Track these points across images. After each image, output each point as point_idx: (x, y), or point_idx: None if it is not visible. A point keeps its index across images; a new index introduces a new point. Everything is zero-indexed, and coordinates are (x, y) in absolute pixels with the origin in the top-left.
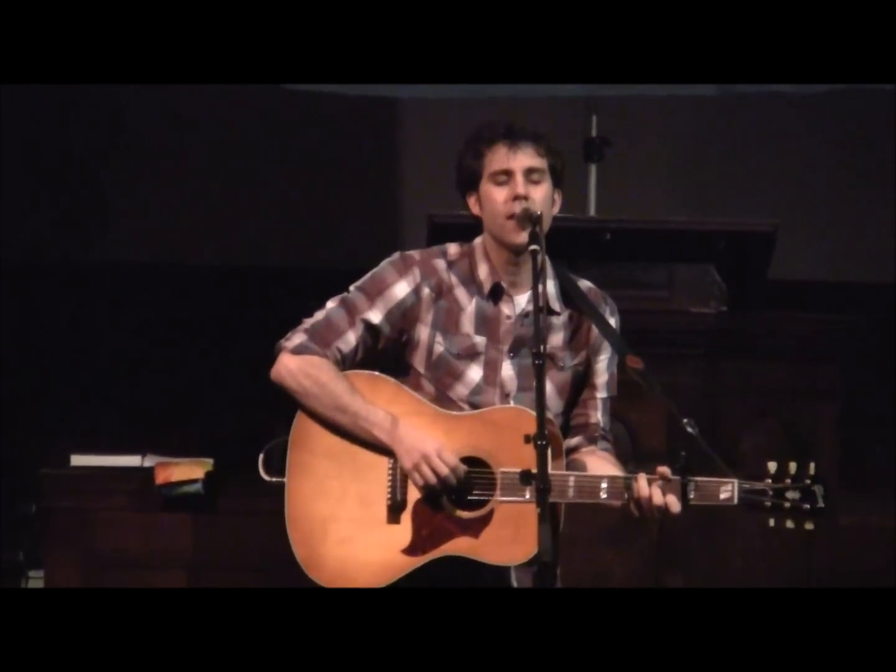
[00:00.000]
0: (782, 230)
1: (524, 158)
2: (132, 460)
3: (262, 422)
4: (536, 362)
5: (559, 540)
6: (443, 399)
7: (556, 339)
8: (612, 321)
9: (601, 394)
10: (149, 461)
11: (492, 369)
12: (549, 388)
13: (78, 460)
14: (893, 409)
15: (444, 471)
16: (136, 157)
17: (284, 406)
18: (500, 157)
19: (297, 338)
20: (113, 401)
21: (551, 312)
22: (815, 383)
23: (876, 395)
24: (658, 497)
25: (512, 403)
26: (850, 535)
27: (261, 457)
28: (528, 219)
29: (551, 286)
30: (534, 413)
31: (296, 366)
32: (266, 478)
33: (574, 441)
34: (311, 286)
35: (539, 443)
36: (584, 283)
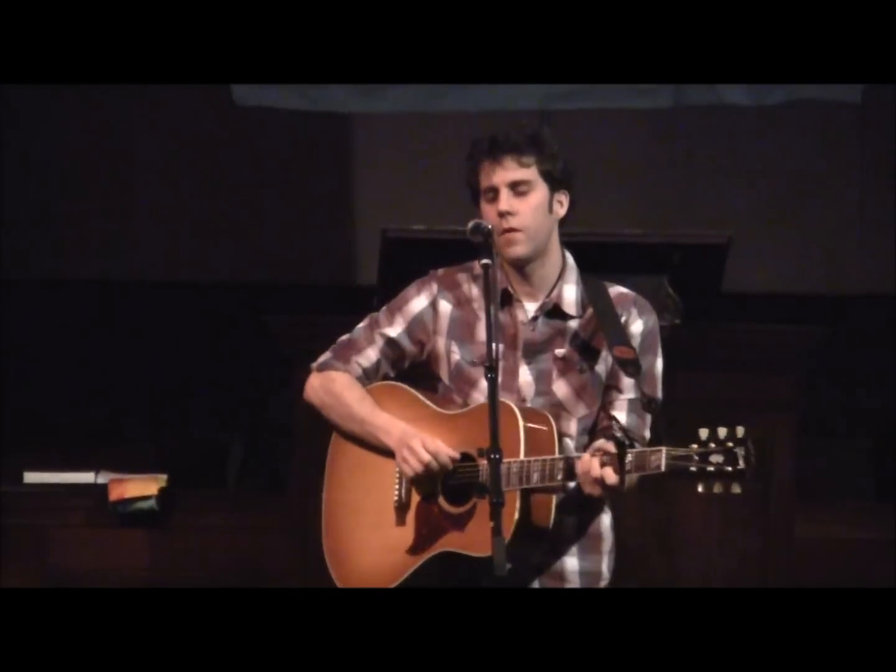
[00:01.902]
0: (737, 242)
1: (504, 173)
2: (86, 477)
3: (216, 437)
4: (489, 375)
5: (545, 532)
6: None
7: (572, 342)
8: (640, 322)
9: (626, 395)
10: (102, 478)
11: (509, 375)
12: (566, 390)
13: (31, 477)
14: (850, 420)
15: (426, 457)
16: (88, 174)
17: (239, 422)
18: (486, 175)
19: (323, 357)
20: (66, 417)
21: (565, 317)
22: (772, 395)
23: (833, 406)
24: (596, 470)
25: (528, 405)
26: (806, 547)
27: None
28: (479, 232)
29: (571, 290)
30: (514, 406)
31: (318, 382)
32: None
33: (598, 444)
34: (264, 301)
35: (492, 456)
36: (616, 289)
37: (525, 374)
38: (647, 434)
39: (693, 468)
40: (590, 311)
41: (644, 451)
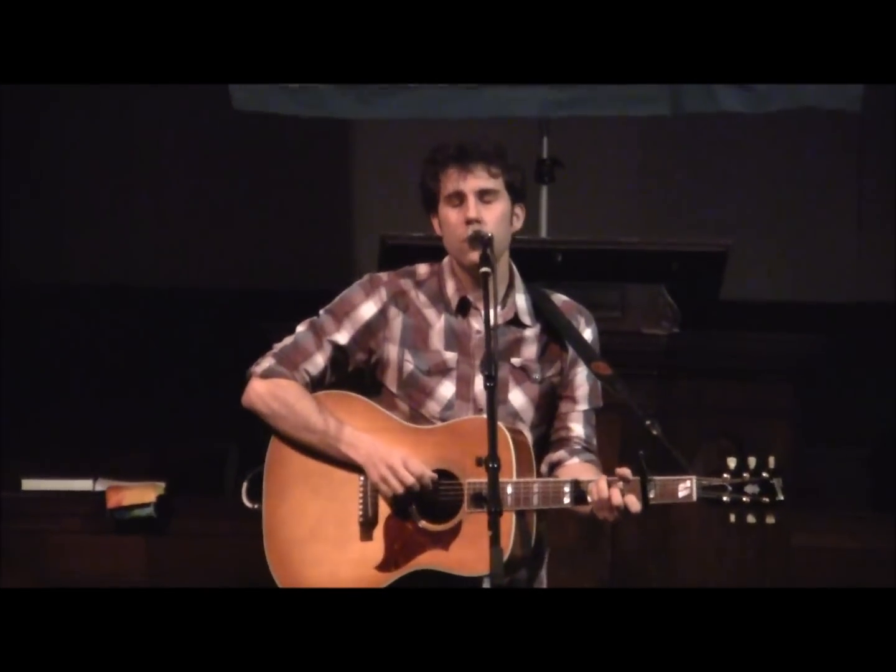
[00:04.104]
0: (735, 250)
1: (474, 181)
2: (84, 484)
3: (214, 445)
4: (488, 385)
5: (534, 547)
6: (416, 417)
7: (529, 351)
8: (588, 332)
9: (581, 406)
10: (100, 485)
11: (465, 384)
12: (523, 400)
13: (29, 484)
14: (847, 429)
15: (410, 480)
16: (90, 179)
17: (236, 429)
18: (452, 181)
19: (266, 362)
20: (64, 424)
21: (522, 325)
22: (769, 403)
23: (830, 415)
24: (617, 498)
25: (485, 417)
26: (803, 555)
27: (244, 485)
28: (479, 241)
29: (522, 300)
30: (501, 424)
31: (264, 389)
32: (248, 505)
33: (556, 456)
34: (263, 308)
35: (490, 465)
36: (559, 297)
37: (481, 383)
38: (595, 442)
39: (726, 498)
40: (542, 320)
41: (670, 479)
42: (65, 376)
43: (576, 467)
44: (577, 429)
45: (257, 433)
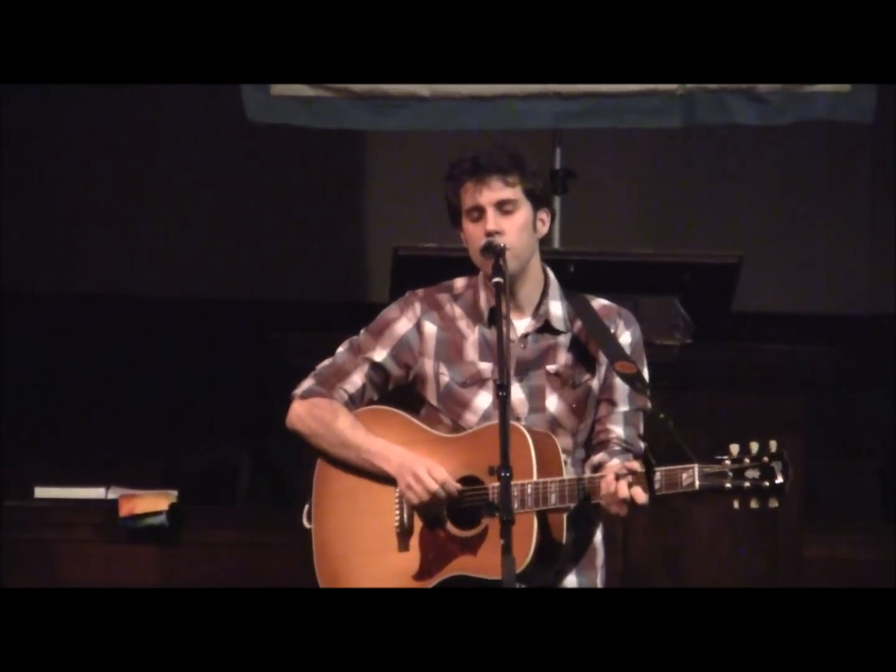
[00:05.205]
0: (748, 262)
1: (490, 194)
2: (96, 492)
3: (226, 454)
4: (501, 394)
5: (560, 550)
6: (457, 429)
7: (564, 357)
8: (627, 334)
9: (622, 407)
10: (113, 493)
11: None
12: (561, 406)
13: (42, 492)
14: (858, 441)
15: (434, 486)
16: (96, 189)
17: (248, 439)
18: (470, 195)
19: (306, 383)
20: (77, 433)
21: (555, 332)
22: (780, 415)
23: (841, 427)
24: (623, 490)
25: (523, 424)
26: (815, 567)
27: (305, 508)
28: (492, 251)
29: (557, 307)
30: (522, 427)
31: (304, 410)
32: (308, 526)
33: (596, 458)
34: (274, 318)
35: (503, 474)
36: (599, 301)
37: (518, 392)
38: (642, 445)
39: (728, 485)
40: (578, 325)
41: (674, 468)
42: (78, 385)
43: (616, 469)
44: (617, 430)
45: (269, 443)
